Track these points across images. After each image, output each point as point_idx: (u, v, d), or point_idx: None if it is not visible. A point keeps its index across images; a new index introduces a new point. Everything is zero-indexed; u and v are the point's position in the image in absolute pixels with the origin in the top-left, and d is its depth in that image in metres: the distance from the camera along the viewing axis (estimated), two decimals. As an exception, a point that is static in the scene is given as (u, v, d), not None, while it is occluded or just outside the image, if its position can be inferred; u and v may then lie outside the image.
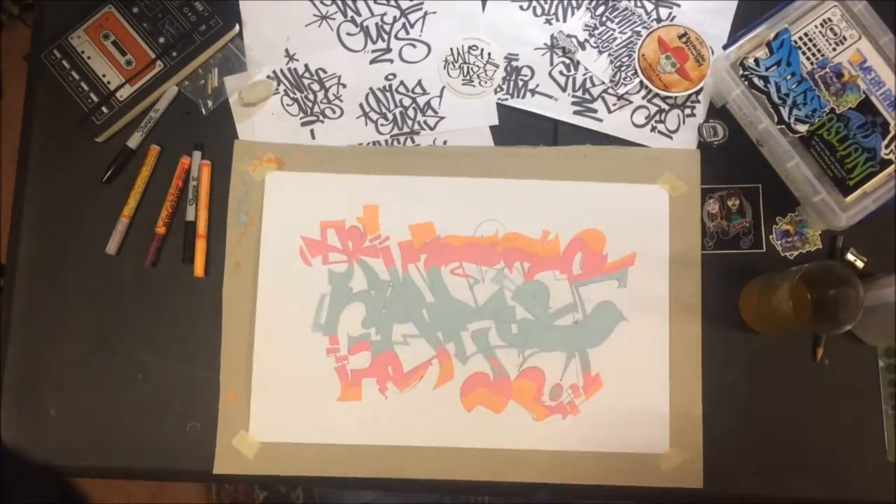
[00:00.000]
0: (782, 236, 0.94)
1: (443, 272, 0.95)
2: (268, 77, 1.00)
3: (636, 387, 0.93)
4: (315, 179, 0.97)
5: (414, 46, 1.01)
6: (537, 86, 1.00)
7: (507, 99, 0.99)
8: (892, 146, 0.88)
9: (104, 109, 0.97)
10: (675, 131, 0.98)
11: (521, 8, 1.01)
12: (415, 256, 0.95)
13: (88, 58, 0.98)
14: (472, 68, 1.00)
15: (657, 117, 0.98)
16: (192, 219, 0.96)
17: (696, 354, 0.93)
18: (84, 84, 0.97)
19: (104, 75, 0.97)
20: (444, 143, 0.99)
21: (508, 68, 1.00)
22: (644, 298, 0.94)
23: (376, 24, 1.01)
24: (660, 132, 0.98)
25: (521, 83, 1.00)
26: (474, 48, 1.00)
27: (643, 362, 0.93)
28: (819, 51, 0.91)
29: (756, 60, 0.91)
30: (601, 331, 0.94)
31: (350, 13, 1.01)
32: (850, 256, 0.93)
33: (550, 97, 0.99)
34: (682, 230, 0.95)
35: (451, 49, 1.00)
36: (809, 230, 0.94)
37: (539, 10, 1.01)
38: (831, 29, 0.91)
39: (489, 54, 1.00)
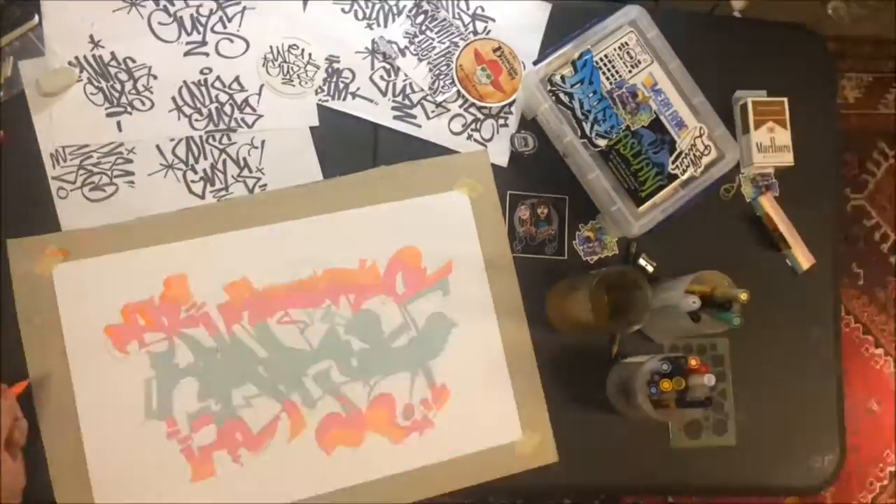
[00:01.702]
0: (584, 242, 1.01)
1: (270, 324, 0.93)
2: (69, 64, 0.94)
3: (481, 386, 0.96)
4: (108, 262, 0.91)
5: (231, 41, 0.99)
6: (358, 89, 1.01)
7: (327, 101, 1.00)
8: (678, 162, 0.97)
9: None
10: (490, 140, 1.02)
11: (343, 10, 1.02)
12: (237, 315, 0.92)
13: None
14: (292, 68, 0.99)
15: (473, 126, 1.02)
16: None
17: (527, 344, 0.97)
18: None
19: None
20: (263, 142, 0.97)
21: (329, 70, 1.00)
22: (469, 301, 0.97)
23: (191, 15, 0.98)
24: (475, 140, 1.02)
25: (342, 85, 1.00)
26: (294, 47, 0.99)
27: (482, 362, 0.96)
28: (617, 72, 0.98)
29: (562, 77, 0.97)
30: (437, 341, 0.96)
31: (162, 2, 0.97)
32: (641, 261, 1.01)
33: (371, 101, 1.01)
34: (488, 228, 0.99)
35: (271, 47, 0.99)
36: (607, 237, 1.02)
37: (361, 14, 1.02)
38: (628, 52, 0.98)
39: (310, 55, 1.00)
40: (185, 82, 0.96)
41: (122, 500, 0.87)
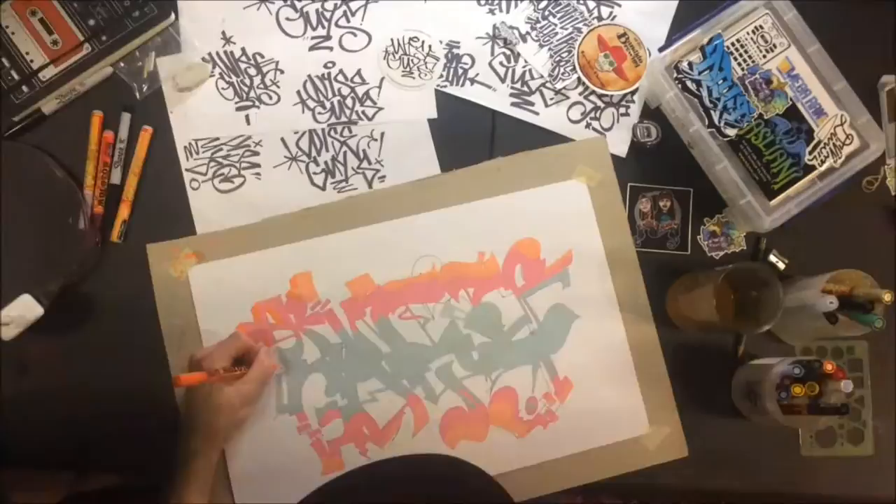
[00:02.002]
0: (709, 237, 0.97)
1: (392, 319, 0.94)
2: (203, 60, 0.98)
3: (605, 378, 0.94)
4: (238, 263, 0.94)
5: (354, 35, 1.00)
6: (477, 75, 1.00)
7: (445, 86, 0.99)
8: (816, 153, 0.91)
9: (24, 88, 0.93)
10: (609, 129, 0.99)
11: (465, -4, 1.01)
12: (360, 312, 0.94)
13: (12, 33, 0.93)
14: (412, 60, 0.99)
15: (592, 114, 0.99)
16: (118, 181, 0.95)
17: (652, 335, 0.94)
18: (5, 60, 0.93)
19: (27, 53, 0.94)
20: (382, 134, 0.98)
21: (449, 55, 1.00)
22: (590, 292, 0.95)
23: (317, 10, 1.00)
24: (594, 129, 0.99)
25: (461, 71, 1.00)
26: (415, 40, 1.00)
27: (606, 354, 0.94)
28: (750, 57, 0.93)
29: (690, 64, 0.93)
30: (558, 334, 0.95)
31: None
32: (772, 258, 0.96)
33: (489, 87, 1.00)
34: (608, 217, 0.97)
35: (392, 40, 1.00)
36: (735, 231, 0.97)
37: (483, 0, 1.01)
38: (762, 36, 0.93)
39: (430, 46, 1.00)
40: (309, 76, 0.99)
41: (259, 495, 0.90)
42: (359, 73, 0.99)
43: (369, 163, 0.98)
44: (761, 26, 0.93)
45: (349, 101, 0.98)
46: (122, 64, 0.96)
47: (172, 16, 0.97)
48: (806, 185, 0.92)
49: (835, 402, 0.82)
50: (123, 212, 0.94)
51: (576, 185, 0.97)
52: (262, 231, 0.95)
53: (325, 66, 0.99)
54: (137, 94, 0.96)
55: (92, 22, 0.94)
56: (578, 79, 0.99)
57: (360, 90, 0.99)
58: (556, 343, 0.94)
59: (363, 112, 0.98)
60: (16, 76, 0.93)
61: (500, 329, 0.94)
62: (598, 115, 0.99)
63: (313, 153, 0.98)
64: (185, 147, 0.97)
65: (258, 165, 0.97)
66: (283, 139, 0.98)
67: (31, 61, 0.94)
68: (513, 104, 0.99)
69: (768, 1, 0.93)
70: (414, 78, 0.99)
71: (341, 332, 0.93)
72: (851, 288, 0.85)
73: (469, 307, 0.95)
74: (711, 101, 0.93)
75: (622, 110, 1.00)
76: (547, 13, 1.01)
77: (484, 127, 0.99)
